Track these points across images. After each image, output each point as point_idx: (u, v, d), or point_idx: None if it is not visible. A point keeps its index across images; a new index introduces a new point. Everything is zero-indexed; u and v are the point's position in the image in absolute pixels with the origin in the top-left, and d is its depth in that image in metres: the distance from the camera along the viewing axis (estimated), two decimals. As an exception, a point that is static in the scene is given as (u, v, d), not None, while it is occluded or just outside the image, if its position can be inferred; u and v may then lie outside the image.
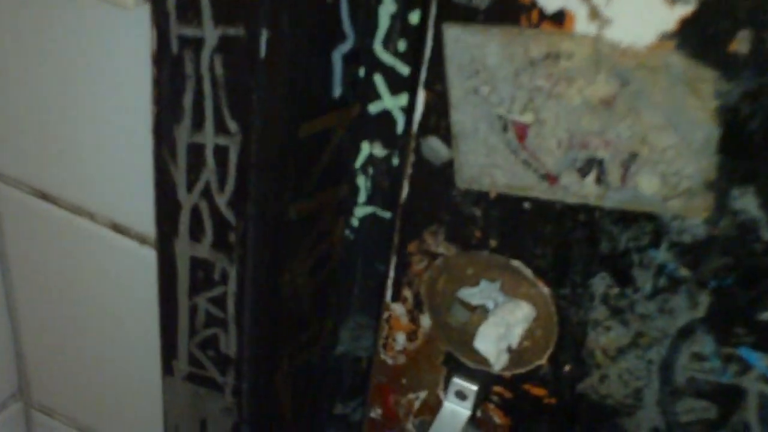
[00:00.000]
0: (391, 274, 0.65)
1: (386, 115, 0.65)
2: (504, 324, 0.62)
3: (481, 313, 0.64)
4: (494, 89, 0.55)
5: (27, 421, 0.96)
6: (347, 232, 0.72)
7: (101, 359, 0.85)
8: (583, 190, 0.55)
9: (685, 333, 0.58)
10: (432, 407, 0.70)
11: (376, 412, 0.74)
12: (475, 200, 0.59)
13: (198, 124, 0.58)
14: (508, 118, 0.55)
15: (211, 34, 0.55)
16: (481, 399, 0.68)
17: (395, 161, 0.67)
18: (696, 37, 0.48)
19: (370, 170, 0.68)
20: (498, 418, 0.68)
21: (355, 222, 0.71)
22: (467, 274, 0.63)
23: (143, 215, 0.69)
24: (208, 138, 0.59)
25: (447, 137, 0.58)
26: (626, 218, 0.55)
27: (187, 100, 0.58)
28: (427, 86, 0.57)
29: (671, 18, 0.48)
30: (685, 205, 0.53)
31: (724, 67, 0.48)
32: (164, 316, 0.70)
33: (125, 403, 0.87)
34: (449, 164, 0.58)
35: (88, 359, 0.86)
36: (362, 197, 0.70)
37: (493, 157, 0.57)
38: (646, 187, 0.54)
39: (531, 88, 0.53)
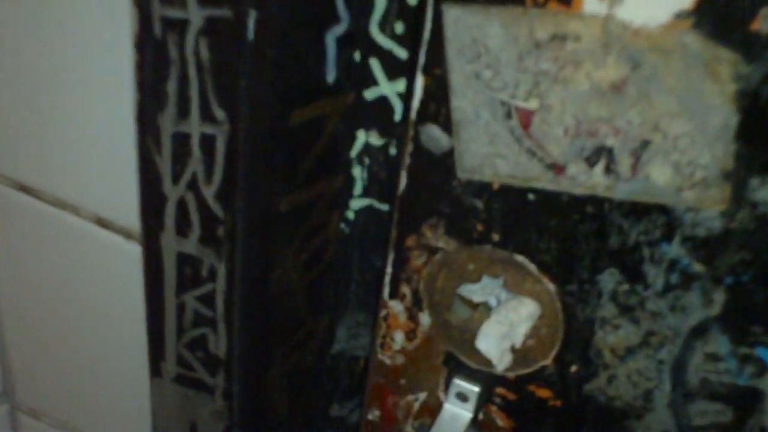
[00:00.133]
0: (389, 269, 0.65)
1: (383, 102, 0.65)
2: (507, 322, 0.61)
3: (483, 310, 0.63)
4: (497, 73, 0.54)
5: (13, 423, 0.96)
6: (342, 225, 0.71)
7: (88, 359, 0.85)
8: (591, 181, 0.55)
9: (699, 332, 0.57)
10: (432, 409, 0.70)
11: (374, 414, 0.74)
12: (476, 191, 0.59)
13: (183, 111, 0.58)
14: (511, 104, 0.54)
15: (196, 15, 0.54)
16: (484, 401, 0.68)
17: (392, 150, 0.67)
18: (714, 15, 0.47)
19: (366, 160, 0.68)
20: (501, 420, 0.68)
21: (350, 215, 0.71)
22: (468, 270, 0.62)
23: (129, 209, 0.69)
24: (194, 126, 0.58)
25: (447, 125, 0.57)
26: (637, 210, 0.55)
27: (172, 86, 0.57)
28: (426, 71, 0.56)
29: (687, -5, 0.47)
30: (700, 196, 0.53)
31: (745, 47, 0.47)
32: (151, 316, 0.70)
33: (113, 405, 0.87)
34: (449, 153, 0.58)
35: (75, 359, 0.86)
36: (358, 189, 0.69)
37: (496, 146, 0.56)
38: (659, 178, 0.53)
39: (536, 72, 0.53)
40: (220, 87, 0.56)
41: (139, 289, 0.70)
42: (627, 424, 0.63)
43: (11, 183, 0.76)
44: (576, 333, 0.61)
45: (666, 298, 0.57)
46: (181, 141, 0.59)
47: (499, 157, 0.57)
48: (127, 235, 0.72)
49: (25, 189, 0.75)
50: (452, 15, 0.53)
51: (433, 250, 0.63)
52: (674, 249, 0.55)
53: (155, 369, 0.73)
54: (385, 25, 0.61)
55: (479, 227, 0.60)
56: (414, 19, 0.60)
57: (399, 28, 0.61)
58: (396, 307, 0.66)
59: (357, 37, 0.61)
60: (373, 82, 0.64)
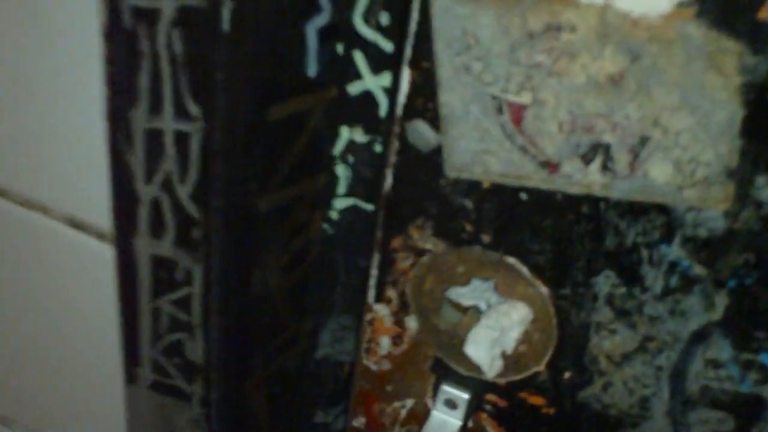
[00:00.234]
0: (374, 272, 0.65)
1: (367, 97, 0.64)
2: (498, 327, 0.61)
3: (472, 315, 0.63)
4: (487, 66, 0.53)
5: (-15, 431, 0.97)
6: (326, 226, 0.70)
7: (61, 365, 0.84)
8: (586, 179, 0.54)
9: (700, 337, 0.57)
10: (420, 416, 0.70)
11: (359, 421, 0.74)
12: (466, 191, 0.58)
13: (156, 107, 0.56)
14: (502, 98, 0.54)
15: (168, 4, 0.52)
16: (473, 408, 0.67)
17: (378, 148, 0.66)
18: (718, 3, 0.47)
19: (350, 158, 0.67)
20: (491, 428, 0.68)
21: (334, 215, 0.70)
22: (457, 273, 0.62)
23: (101, 209, 0.67)
24: (167, 123, 0.57)
25: (435, 121, 0.57)
26: (635, 210, 0.55)
27: (143, 80, 0.55)
28: (413, 64, 0.56)
29: (690, -18, 0.47)
30: (702, 195, 0.52)
31: (751, 37, 0.47)
32: (125, 320, 0.69)
33: (87, 413, 0.86)
34: (437, 151, 0.58)
35: (47, 365, 0.85)
36: (342, 188, 0.69)
37: (487, 143, 0.56)
38: (658, 175, 0.53)
39: (529, 65, 0.52)
40: (194, 81, 0.54)
41: (114, 292, 0.69)
42: (623, 433, 0.63)
43: (-23, 182, 0.75)
44: (570, 338, 0.61)
45: (665, 302, 0.57)
46: (154, 138, 0.58)
47: (490, 154, 0.56)
48: (100, 236, 0.71)
49: (-9, 189, 0.75)
50: (440, 5, 0.52)
51: (420, 252, 0.62)
52: (674, 250, 0.55)
53: (130, 375, 0.72)
54: (369, 16, 0.60)
55: (469, 228, 0.60)
56: (400, 9, 0.59)
57: (384, 18, 0.60)
58: (381, 311, 0.66)
59: (340, 29, 0.60)
60: (357, 76, 0.63)
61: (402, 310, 0.65)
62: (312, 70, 0.60)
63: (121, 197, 0.62)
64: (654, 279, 0.56)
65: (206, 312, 0.64)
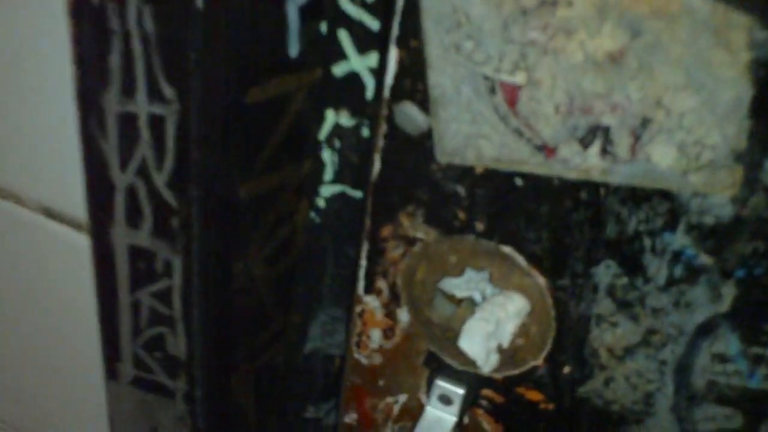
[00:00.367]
0: (363, 262, 0.64)
1: (353, 78, 0.64)
2: (493, 320, 0.60)
3: (466, 306, 0.62)
4: (479, 45, 0.52)
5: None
6: (312, 214, 0.70)
7: (40, 361, 0.84)
8: (585, 164, 0.53)
9: (706, 330, 0.56)
10: (413, 412, 0.69)
11: (351, 417, 0.73)
12: (458, 176, 0.57)
13: (128, 90, 0.56)
14: (495, 78, 0.53)
15: None
16: (469, 403, 0.67)
17: (365, 132, 0.65)
18: None
19: (337, 143, 0.66)
20: (488, 424, 0.67)
21: (321, 203, 0.70)
22: (450, 263, 0.61)
23: (77, 198, 0.67)
24: (141, 106, 0.56)
25: (425, 103, 0.56)
26: (636, 196, 0.53)
27: (114, 61, 0.55)
28: (401, 43, 0.54)
29: (695, -50, 0.45)
30: (708, 180, 0.51)
31: (762, 10, 0.45)
32: (104, 314, 0.68)
33: (68, 410, 0.87)
34: (427, 134, 0.57)
35: (25, 361, 0.85)
36: (328, 174, 0.68)
37: (479, 126, 0.55)
38: (661, 160, 0.51)
39: (523, 43, 0.51)
40: (167, 62, 0.54)
41: (92, 284, 0.69)
42: (625, 430, 0.62)
43: (-53, 171, 0.75)
44: (569, 331, 0.60)
45: (669, 293, 0.55)
46: (128, 123, 0.57)
47: (483, 138, 0.55)
48: (76, 226, 0.71)
49: (-37, 178, 0.75)
50: (428, -22, 0.51)
51: (411, 241, 0.61)
52: (678, 239, 0.53)
53: (111, 371, 0.72)
54: (354, -8, 0.60)
55: (461, 216, 0.59)
56: (386, -16, 0.59)
57: (370, -5, 0.60)
58: (372, 302, 0.65)
59: (323, 6, 0.60)
60: (342, 56, 0.63)
61: (393, 301, 0.65)
62: (293, 50, 0.59)
63: (96, 186, 0.61)
64: (657, 269, 0.55)
65: (187, 305, 0.64)
